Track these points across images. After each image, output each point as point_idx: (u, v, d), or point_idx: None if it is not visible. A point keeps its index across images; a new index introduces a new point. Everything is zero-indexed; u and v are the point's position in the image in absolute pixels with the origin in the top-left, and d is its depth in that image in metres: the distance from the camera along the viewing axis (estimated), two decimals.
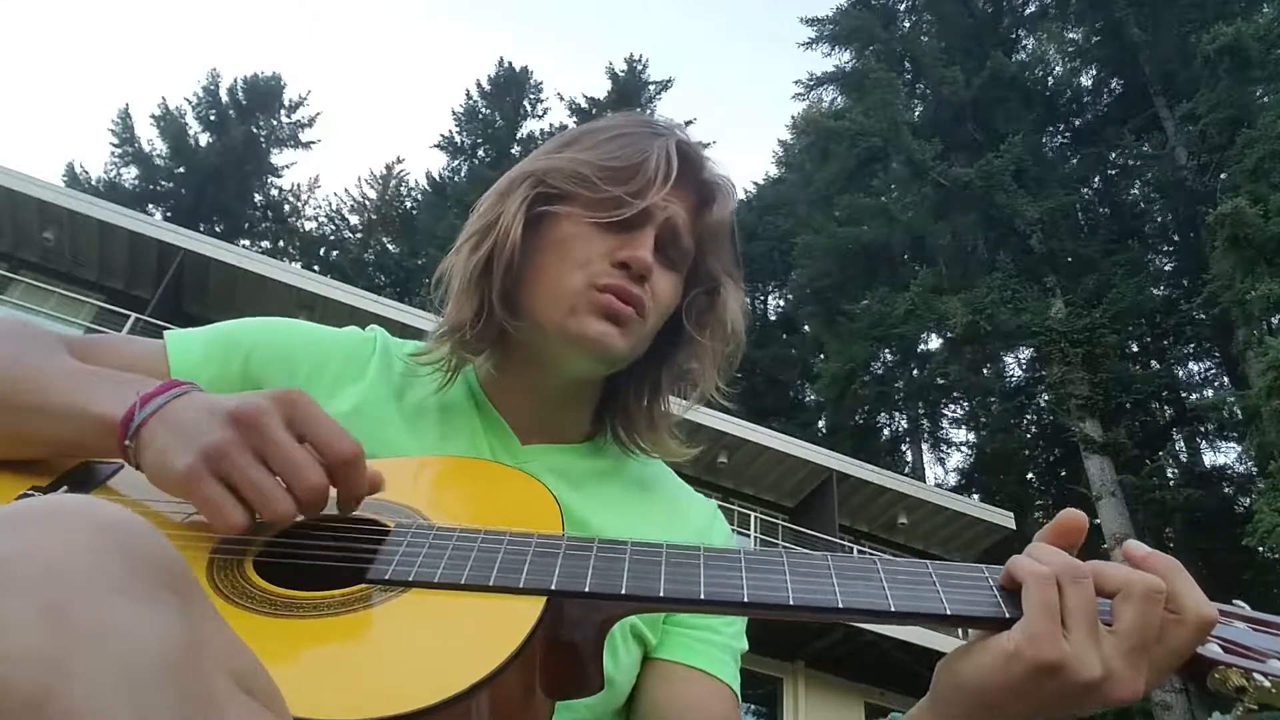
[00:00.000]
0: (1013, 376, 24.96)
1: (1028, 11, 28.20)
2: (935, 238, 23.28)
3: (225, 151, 29.77)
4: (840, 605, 0.56)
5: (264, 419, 0.57)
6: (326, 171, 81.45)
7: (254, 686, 0.37)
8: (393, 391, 0.86)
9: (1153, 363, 23.87)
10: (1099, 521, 17.82)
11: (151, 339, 0.85)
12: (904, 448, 26.36)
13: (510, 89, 33.41)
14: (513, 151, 30.73)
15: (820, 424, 26.49)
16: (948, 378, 23.73)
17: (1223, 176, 20.02)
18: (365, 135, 70.57)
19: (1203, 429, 21.97)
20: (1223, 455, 29.33)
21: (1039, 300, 21.10)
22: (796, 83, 30.44)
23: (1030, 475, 24.31)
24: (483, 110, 33.35)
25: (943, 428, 26.24)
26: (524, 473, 0.74)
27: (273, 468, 0.57)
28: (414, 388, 0.87)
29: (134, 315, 11.73)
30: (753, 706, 12.43)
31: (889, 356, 25.49)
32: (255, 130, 31.44)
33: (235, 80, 31.49)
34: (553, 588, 0.56)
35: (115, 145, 29.78)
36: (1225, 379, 22.38)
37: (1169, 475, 21.76)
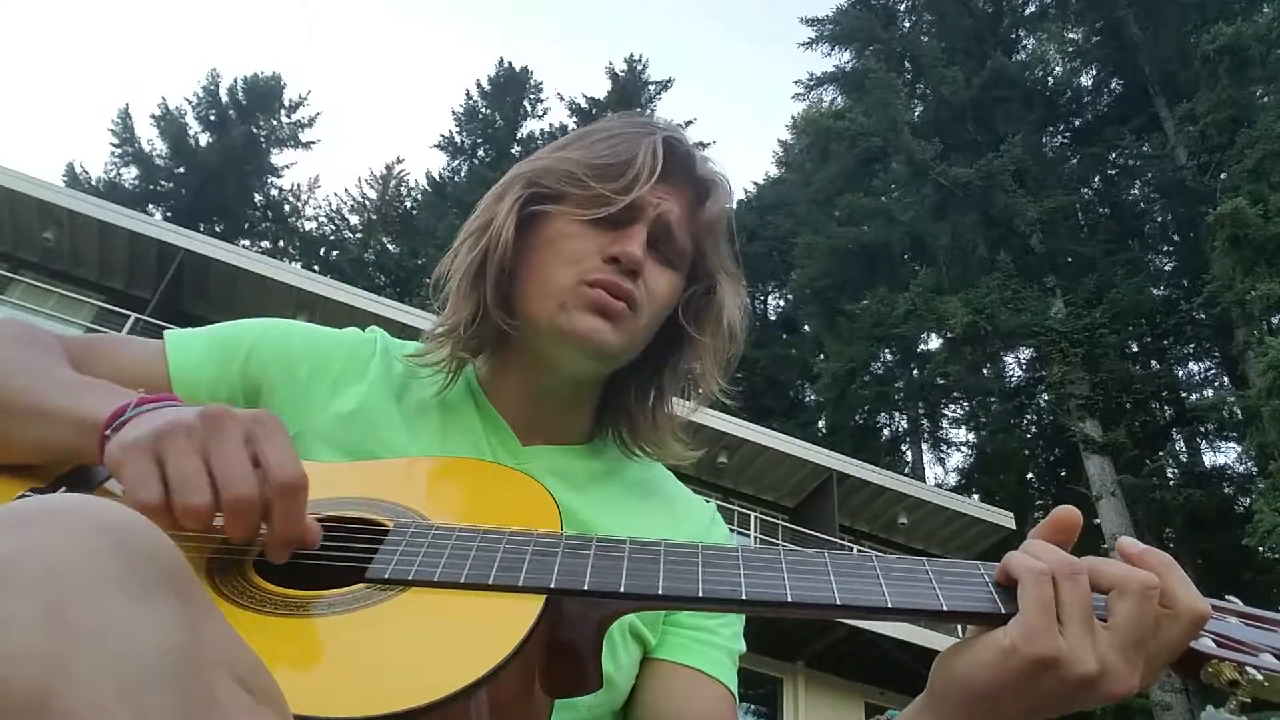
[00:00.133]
0: (1013, 376, 24.96)
1: (1028, 11, 28.18)
2: (935, 238, 23.26)
3: (225, 151, 29.76)
4: (838, 602, 0.56)
5: (226, 421, 0.57)
6: (326, 171, 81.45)
7: (255, 685, 0.37)
8: (393, 392, 0.86)
9: (1153, 363, 23.85)
10: (1099, 521, 17.81)
11: (151, 339, 0.85)
12: (904, 448, 26.35)
13: (510, 89, 33.40)
14: (513, 151, 30.72)
15: (820, 424, 26.48)
16: (948, 378, 23.72)
17: (1223, 176, 20.02)
18: (365, 135, 70.58)
19: (1203, 429, 21.95)
20: (1223, 455, 29.35)
21: (1039, 300, 21.09)
22: (796, 83, 30.48)
23: (1030, 475, 24.29)
24: (483, 110, 33.34)
25: (943, 428, 26.24)
26: (523, 474, 0.74)
27: (209, 467, 0.56)
28: (414, 388, 0.87)
29: (134, 315, 11.73)
30: (753, 706, 12.43)
31: (889, 356, 25.48)
32: (255, 130, 31.42)
33: (235, 80, 31.50)
34: (552, 586, 0.57)
35: (115, 145, 29.80)
36: (1225, 379, 22.38)
37: (1169, 475, 21.75)
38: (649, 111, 31.02)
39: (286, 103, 32.16)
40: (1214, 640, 0.57)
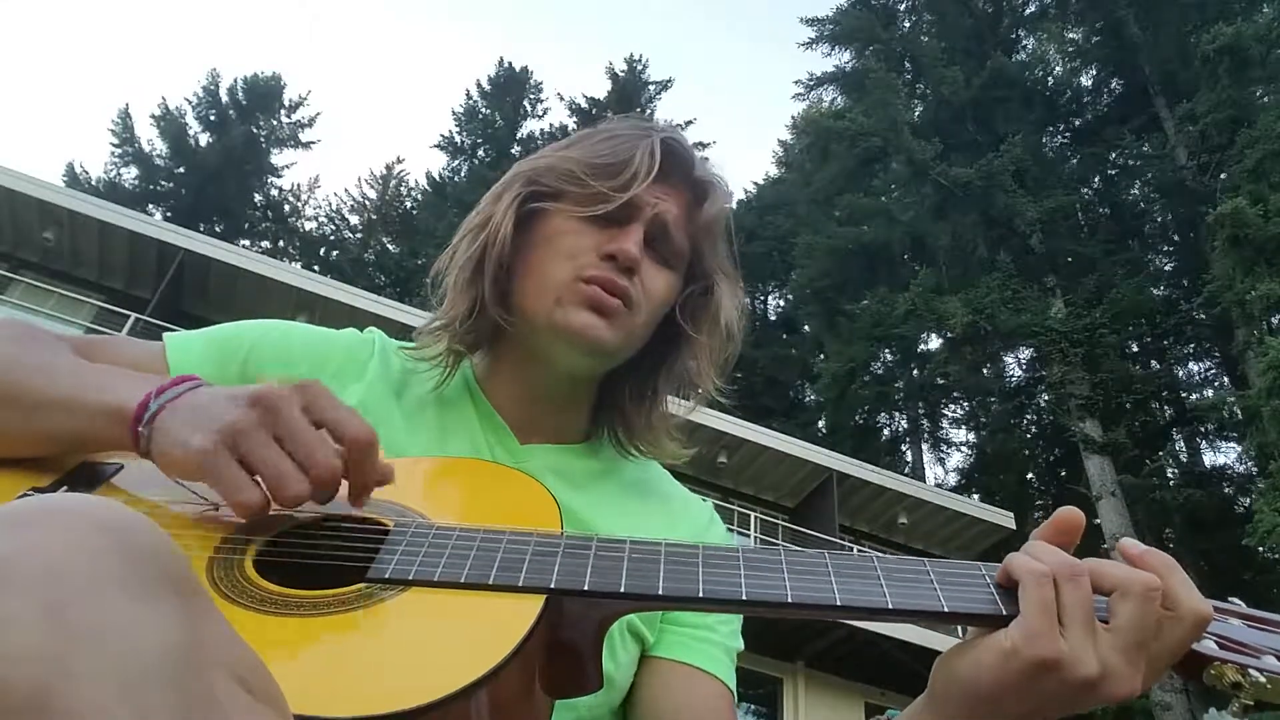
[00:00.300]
0: (1013, 376, 24.96)
1: (1028, 11, 28.19)
2: (935, 238, 23.27)
3: (225, 151, 29.76)
4: (838, 603, 0.56)
5: (282, 403, 0.58)
6: (326, 171, 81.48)
7: (255, 685, 0.37)
8: (392, 389, 0.87)
9: (1153, 363, 23.86)
10: (1099, 522, 17.82)
11: (150, 341, 0.85)
12: (904, 448, 26.35)
13: (510, 89, 33.40)
14: (513, 151, 30.72)
15: (820, 424, 26.48)
16: (948, 378, 23.72)
17: (1223, 176, 20.02)
18: (365, 135, 70.62)
19: (1203, 429, 21.96)
20: (1223, 455, 29.36)
21: (1039, 300, 21.10)
22: (796, 83, 30.48)
23: (1030, 475, 24.30)
24: (483, 110, 33.34)
25: (943, 428, 26.25)
26: (523, 473, 0.74)
27: (288, 450, 0.58)
28: (413, 385, 0.88)
29: (134, 315, 11.73)
30: (753, 706, 12.43)
31: (889, 356, 25.48)
32: (255, 130, 31.43)
33: (235, 80, 31.50)
34: (552, 586, 0.57)
35: (115, 145, 29.81)
36: (1225, 379, 22.38)
37: (1169, 475, 21.76)
38: (649, 112, 31.15)
39: (286, 103, 32.18)
40: (1216, 642, 0.57)
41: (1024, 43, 28.30)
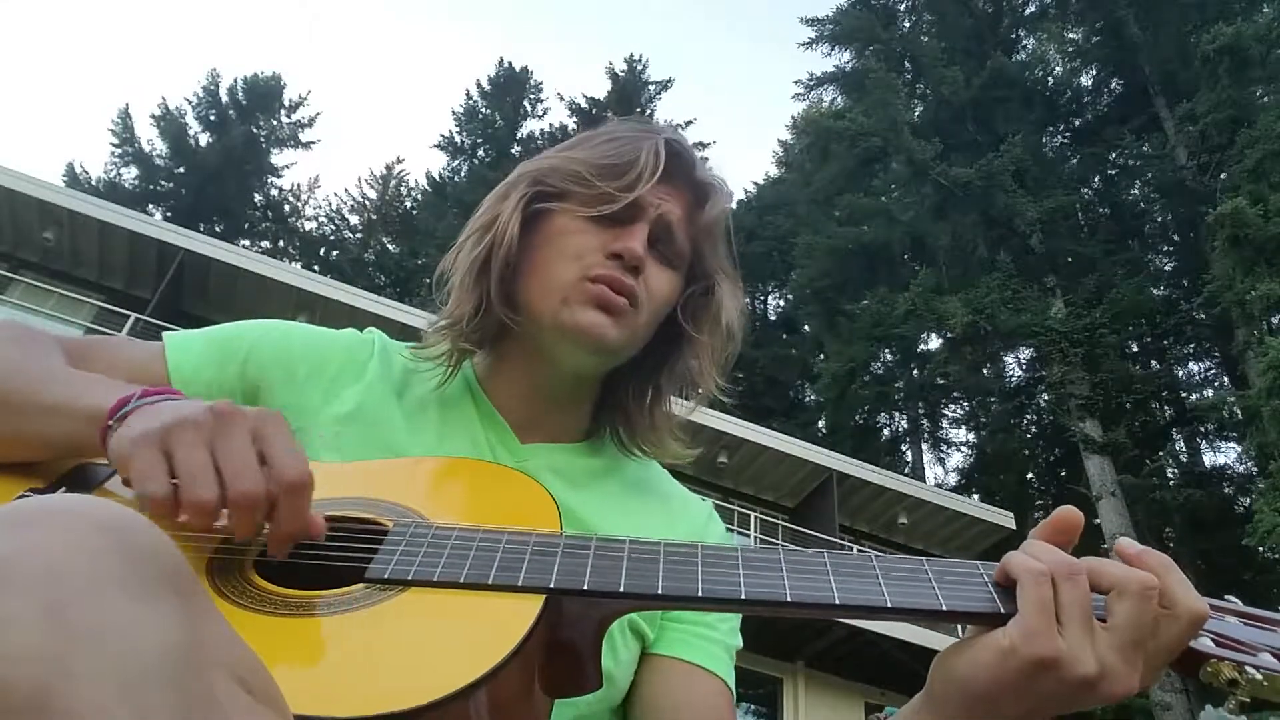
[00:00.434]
0: (1013, 376, 24.96)
1: (1028, 11, 28.19)
2: (935, 238, 23.27)
3: (225, 151, 29.76)
4: (837, 602, 0.56)
5: (235, 417, 0.58)
6: (326, 171, 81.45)
7: (254, 685, 0.37)
8: (393, 389, 0.87)
9: (1153, 363, 23.86)
10: (1099, 522, 17.81)
11: (150, 341, 0.86)
12: (904, 448, 26.35)
13: (510, 89, 33.40)
14: (513, 151, 30.72)
15: (820, 424, 26.48)
16: (948, 378, 23.72)
17: (1223, 176, 20.02)
18: (365, 135, 70.58)
19: (1203, 429, 21.96)
20: (1223, 455, 29.35)
21: (1039, 300, 21.10)
22: (796, 83, 30.49)
23: (1030, 475, 24.30)
24: (483, 110, 33.34)
25: (943, 428, 26.24)
26: (522, 473, 0.74)
27: (216, 462, 0.56)
28: (414, 384, 0.88)
29: (134, 315, 11.73)
30: (753, 706, 12.43)
31: (889, 356, 25.48)
32: (255, 130, 31.42)
33: (235, 80, 31.50)
34: (551, 586, 0.57)
35: (115, 145, 29.80)
36: (1225, 379, 22.38)
37: (1169, 475, 21.75)
38: (649, 112, 31.14)
39: (286, 103, 32.17)
40: (1213, 640, 0.57)
41: (1024, 43, 28.30)
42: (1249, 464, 19.81)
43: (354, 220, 33.44)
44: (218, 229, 28.19)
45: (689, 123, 31.87)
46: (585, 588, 0.57)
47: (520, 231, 0.83)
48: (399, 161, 38.99)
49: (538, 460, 0.85)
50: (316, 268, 29.00)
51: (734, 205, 0.95)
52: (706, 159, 0.91)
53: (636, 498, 0.90)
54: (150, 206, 28.05)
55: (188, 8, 64.29)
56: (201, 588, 0.39)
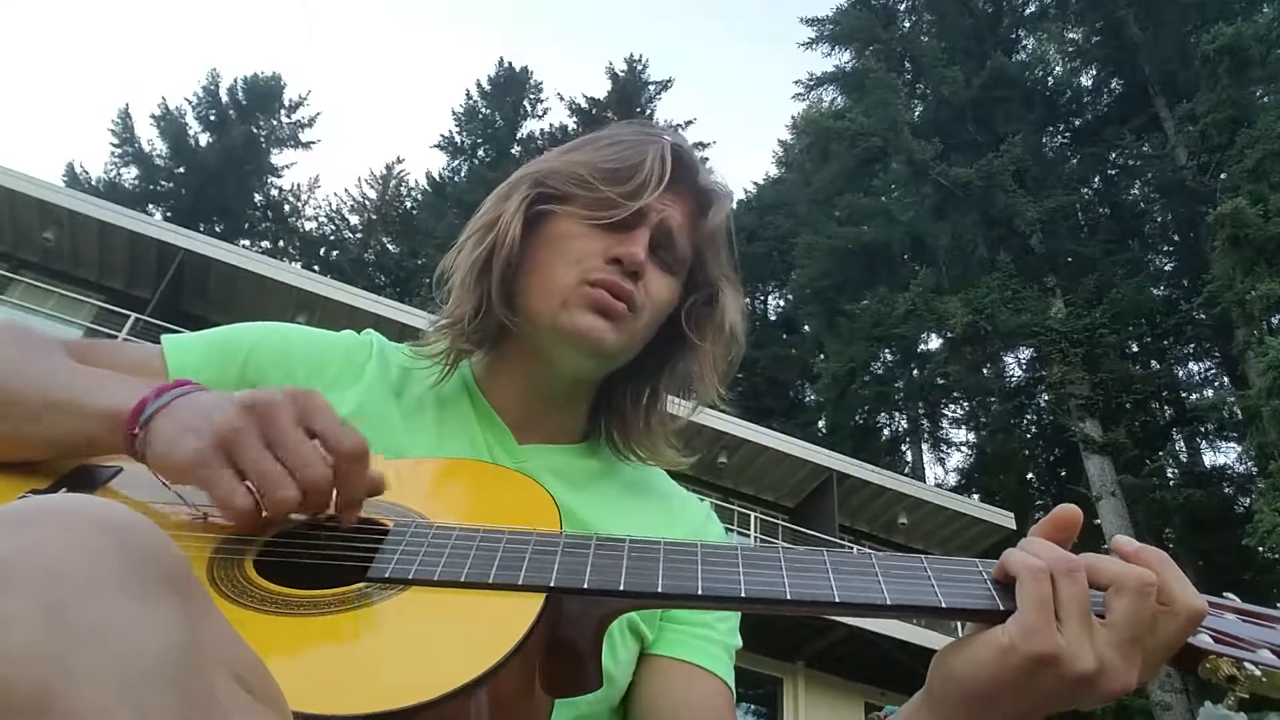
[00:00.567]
0: (1013, 376, 24.96)
1: (1028, 11, 28.19)
2: (935, 238, 23.27)
3: (225, 151, 29.76)
4: (836, 600, 0.57)
5: (275, 410, 0.59)
6: (326, 171, 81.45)
7: (255, 685, 0.37)
8: (391, 390, 0.87)
9: (1153, 363, 23.86)
10: (1099, 522, 17.81)
11: (149, 343, 0.86)
12: (904, 448, 26.35)
13: (510, 89, 33.40)
14: (513, 151, 30.73)
15: (820, 424, 26.48)
16: (948, 378, 23.72)
17: (1223, 176, 20.02)
18: (365, 135, 70.61)
19: (1203, 429, 21.96)
20: (1223, 455, 29.33)
21: (1039, 300, 21.10)
22: (796, 83, 30.49)
23: (1030, 475, 24.30)
24: (483, 110, 33.34)
25: (943, 428, 26.24)
26: (522, 474, 0.75)
27: (279, 457, 0.58)
28: (412, 385, 0.88)
29: (134, 315, 11.72)
30: (753, 706, 12.43)
31: (889, 356, 25.48)
32: (255, 130, 31.43)
33: (235, 80, 31.50)
34: (552, 584, 0.57)
35: (115, 145, 29.81)
36: (1225, 379, 22.38)
37: (1169, 475, 21.75)
38: (649, 112, 31.14)
39: (286, 103, 32.18)
40: (1211, 636, 0.57)
41: (1024, 43, 28.31)
42: (1249, 464, 19.81)
43: (354, 220, 33.47)
44: (218, 229, 28.19)
45: (689, 123, 31.90)
46: (585, 586, 0.57)
47: (522, 233, 0.83)
48: (399, 161, 39.01)
49: (536, 461, 0.85)
50: (316, 268, 29.00)
51: (734, 205, 0.95)
52: (707, 159, 0.91)
53: (635, 498, 0.91)
54: (150, 206, 28.05)
55: (188, 8, 64.34)
56: (201, 587, 0.39)
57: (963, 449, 26.27)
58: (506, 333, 0.87)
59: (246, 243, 28.81)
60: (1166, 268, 24.73)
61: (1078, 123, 26.94)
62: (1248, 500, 18.60)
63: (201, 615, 0.36)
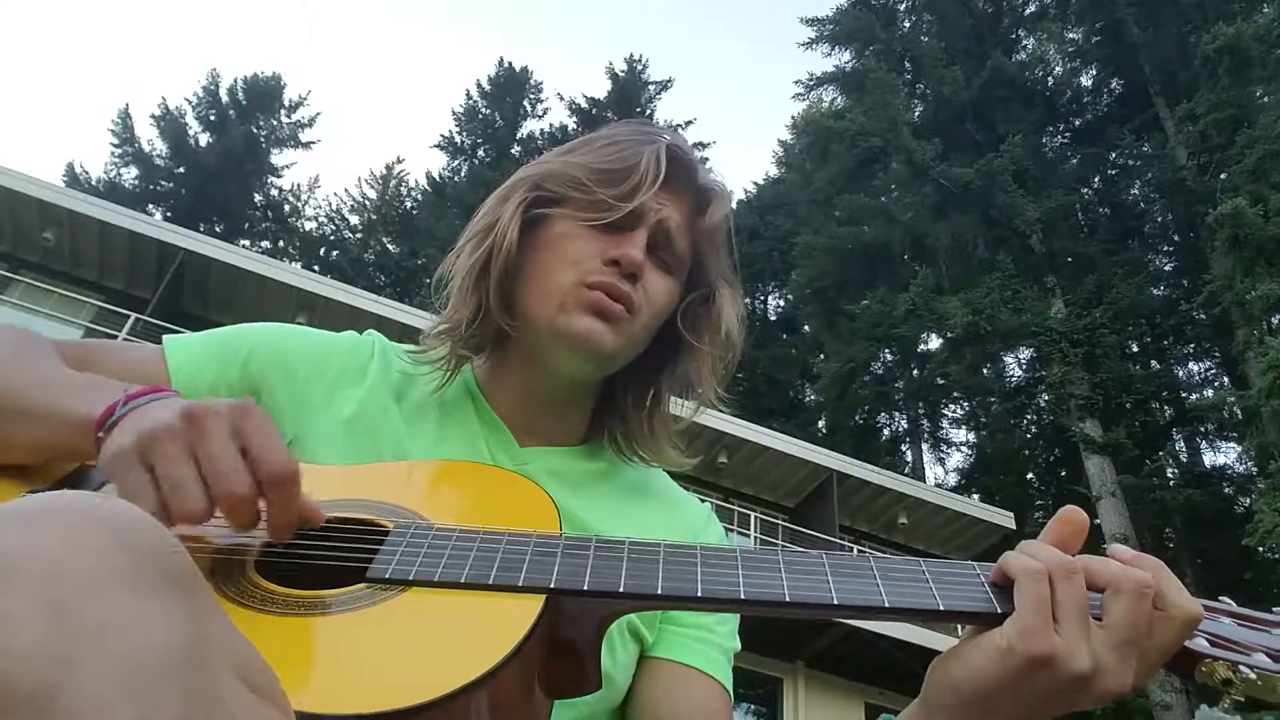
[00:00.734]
0: (1013, 376, 24.95)
1: (1028, 11, 28.17)
2: (935, 238, 23.25)
3: (225, 151, 29.75)
4: (835, 602, 0.57)
5: (209, 420, 0.57)
6: (326, 171, 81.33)
7: (257, 683, 0.37)
8: (392, 392, 0.87)
9: (1153, 363, 23.85)
10: (1099, 522, 17.80)
11: (150, 344, 0.86)
12: (904, 448, 26.34)
13: (510, 89, 33.38)
14: (513, 152, 30.71)
15: (820, 424, 26.48)
16: (948, 378, 23.71)
17: (1223, 176, 20.01)
18: (365, 135, 70.50)
19: (1203, 429, 21.95)
20: (1223, 455, 29.29)
21: (1039, 300, 21.09)
22: (796, 83, 30.45)
23: (1030, 475, 24.30)
24: (483, 110, 33.32)
25: (943, 428, 26.23)
26: (522, 476, 0.75)
27: (201, 469, 0.56)
28: (413, 388, 0.88)
29: (134, 315, 11.72)
30: (753, 706, 12.43)
31: (889, 356, 25.47)
32: (255, 130, 31.41)
33: (235, 80, 31.48)
34: (552, 586, 0.57)
35: (115, 145, 29.79)
36: (1225, 379, 22.37)
37: (1169, 475, 21.74)
38: (649, 112, 31.13)
39: (286, 103, 32.16)
40: (1208, 640, 0.58)
41: (1024, 43, 28.28)
42: (1249, 464, 19.80)
43: (354, 220, 33.46)
44: (218, 229, 28.19)
45: (689, 123, 31.89)
46: (585, 588, 0.57)
47: (520, 236, 0.83)
48: (399, 161, 39.01)
49: (536, 463, 0.85)
50: (316, 268, 29.00)
51: (734, 205, 0.95)
52: (707, 159, 0.91)
53: (635, 500, 0.91)
54: (150, 206, 28.04)
55: (188, 8, 64.30)
56: (204, 584, 0.39)
57: (963, 449, 26.30)
58: (506, 336, 0.87)
59: (246, 243, 28.80)
60: (1166, 268, 24.72)
61: (1078, 123, 26.92)
62: (1248, 500, 18.59)
63: (204, 612, 0.36)
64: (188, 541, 0.60)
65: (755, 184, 35.12)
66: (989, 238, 22.76)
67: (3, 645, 0.30)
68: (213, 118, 30.70)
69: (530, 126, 33.07)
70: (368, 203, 33.68)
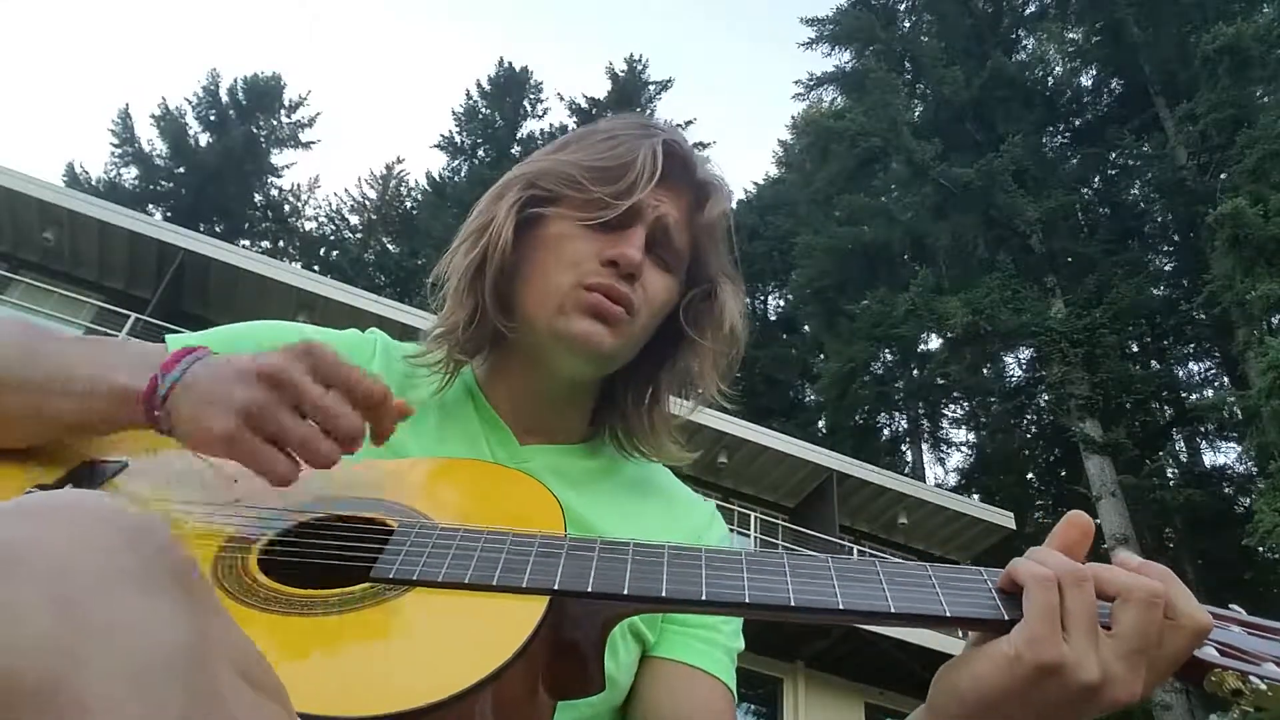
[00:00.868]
0: (1013, 376, 24.95)
1: (1028, 11, 28.17)
2: (935, 238, 23.26)
3: (225, 151, 29.75)
4: (840, 607, 0.56)
5: (290, 373, 0.60)
6: (326, 171, 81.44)
7: (260, 682, 0.37)
8: (394, 391, 0.86)
9: (1153, 363, 23.86)
10: (1099, 522, 17.79)
11: (152, 343, 0.85)
12: (904, 448, 26.34)
13: (510, 89, 33.38)
14: (513, 151, 30.71)
15: (820, 424, 26.47)
16: (948, 378, 23.71)
17: (1223, 176, 20.01)
18: (365, 135, 70.56)
19: (1203, 429, 21.95)
20: (1223, 455, 29.29)
21: (1039, 300, 21.09)
22: (796, 83, 30.47)
23: (1030, 475, 24.29)
24: (483, 110, 33.32)
25: (943, 428, 26.23)
26: (525, 474, 0.74)
27: (309, 416, 0.59)
28: (414, 388, 0.88)
29: (134, 315, 11.73)
30: (753, 707, 12.43)
31: (889, 356, 25.48)
32: (255, 130, 31.41)
33: (235, 80, 31.49)
34: (555, 587, 0.57)
35: (115, 145, 29.80)
36: (1225, 379, 22.37)
37: (1169, 475, 21.74)
38: (649, 111, 31.11)
39: (286, 103, 32.16)
40: (1217, 649, 0.57)
41: (1024, 43, 28.28)
42: (1249, 464, 19.80)
43: (354, 220, 33.47)
44: (218, 229, 28.19)
45: (689, 123, 31.88)
46: (589, 589, 0.57)
47: (515, 236, 0.82)
48: (399, 161, 39.01)
49: (537, 461, 0.85)
50: (316, 268, 29.00)
51: (734, 205, 0.94)
52: (707, 159, 0.89)
53: (637, 498, 0.90)
54: (150, 206, 28.04)
55: (188, 8, 64.31)
56: (208, 584, 0.39)
57: (963, 449, 26.30)
58: (504, 337, 0.86)
59: (246, 243, 28.81)
60: (1166, 268, 24.72)
61: (1078, 123, 26.92)
62: (1248, 500, 18.59)
63: (207, 611, 0.37)
64: (192, 539, 0.60)
65: (755, 184, 35.18)
66: (989, 238, 22.76)
67: (7, 636, 0.30)
68: (213, 118, 30.70)
69: (530, 126, 33.11)
70: (368, 203, 33.68)
